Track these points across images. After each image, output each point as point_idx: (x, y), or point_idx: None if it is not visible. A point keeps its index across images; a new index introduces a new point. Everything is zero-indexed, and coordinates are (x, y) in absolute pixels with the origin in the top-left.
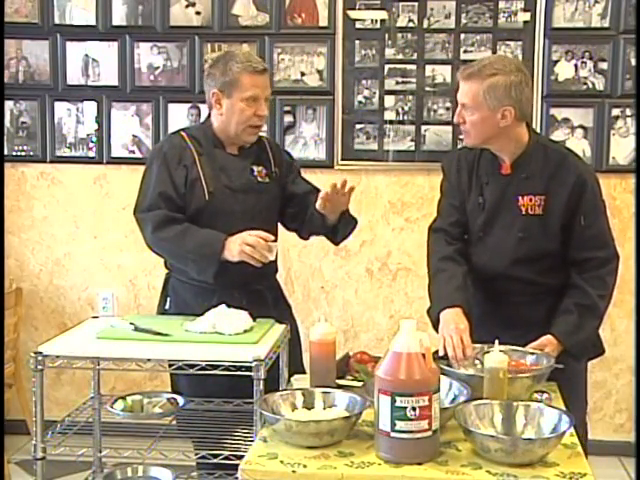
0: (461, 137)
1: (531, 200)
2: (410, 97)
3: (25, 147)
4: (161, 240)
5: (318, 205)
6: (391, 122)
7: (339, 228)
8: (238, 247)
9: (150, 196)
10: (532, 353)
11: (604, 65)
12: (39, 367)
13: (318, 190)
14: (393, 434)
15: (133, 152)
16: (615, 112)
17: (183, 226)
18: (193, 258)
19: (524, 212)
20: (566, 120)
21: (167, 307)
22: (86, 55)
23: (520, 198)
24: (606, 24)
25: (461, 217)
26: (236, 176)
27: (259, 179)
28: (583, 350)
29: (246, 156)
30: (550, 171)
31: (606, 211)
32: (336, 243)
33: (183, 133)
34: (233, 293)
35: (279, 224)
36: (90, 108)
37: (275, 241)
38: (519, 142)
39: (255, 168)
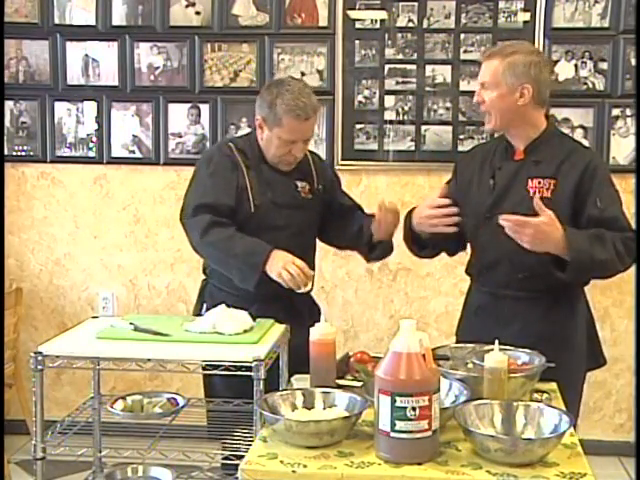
0: (461, 137)
1: (540, 183)
2: (410, 97)
3: (25, 147)
4: (209, 244)
5: (373, 228)
6: (391, 122)
7: (377, 248)
8: (279, 269)
9: (197, 203)
10: (525, 353)
11: (604, 65)
12: (39, 367)
13: (359, 205)
14: (393, 434)
15: (133, 152)
16: (615, 112)
17: (230, 230)
18: (238, 265)
19: (532, 194)
20: (566, 120)
21: (203, 313)
22: (86, 55)
23: (530, 181)
24: (606, 24)
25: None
26: (281, 191)
27: (302, 195)
28: (579, 264)
29: (291, 172)
30: (561, 157)
31: (622, 203)
32: (368, 260)
33: (231, 144)
34: (271, 304)
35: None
36: (90, 108)
37: (313, 274)
38: (535, 127)
39: (299, 184)
